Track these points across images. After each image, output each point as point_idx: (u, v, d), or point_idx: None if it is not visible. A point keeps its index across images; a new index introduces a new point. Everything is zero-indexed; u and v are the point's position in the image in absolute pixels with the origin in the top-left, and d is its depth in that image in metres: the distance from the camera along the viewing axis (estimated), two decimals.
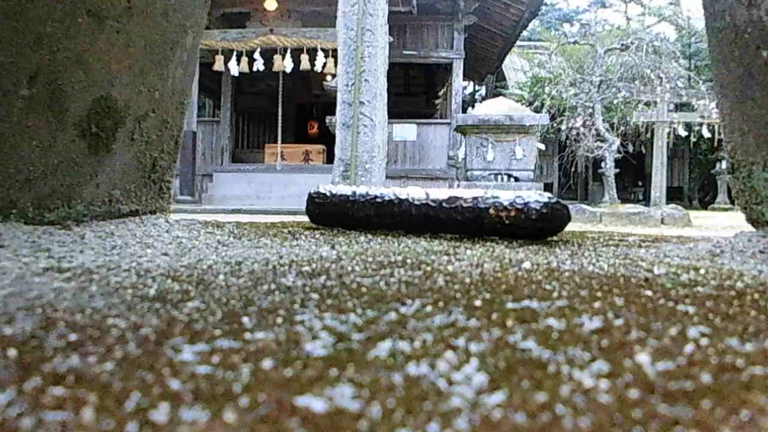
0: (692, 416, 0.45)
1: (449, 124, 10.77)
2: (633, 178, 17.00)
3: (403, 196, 2.16)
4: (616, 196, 11.77)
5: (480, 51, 13.18)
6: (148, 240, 1.76)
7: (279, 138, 10.91)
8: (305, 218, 2.62)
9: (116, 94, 1.92)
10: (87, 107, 1.84)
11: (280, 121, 10.86)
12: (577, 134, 12.28)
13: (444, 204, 2.06)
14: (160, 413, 0.45)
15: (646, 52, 11.97)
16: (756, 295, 0.97)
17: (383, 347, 0.64)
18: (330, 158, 8.32)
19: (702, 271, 1.25)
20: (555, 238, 2.10)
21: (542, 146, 8.55)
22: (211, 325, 0.73)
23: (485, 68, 14.71)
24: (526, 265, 1.31)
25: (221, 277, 1.11)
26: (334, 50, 7.01)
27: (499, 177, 6.83)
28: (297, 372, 0.55)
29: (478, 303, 0.87)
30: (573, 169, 14.39)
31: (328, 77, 9.80)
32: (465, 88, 16.06)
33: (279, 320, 0.76)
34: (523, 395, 0.49)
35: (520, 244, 1.85)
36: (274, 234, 2.11)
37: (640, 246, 1.88)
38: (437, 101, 14.92)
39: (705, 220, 7.35)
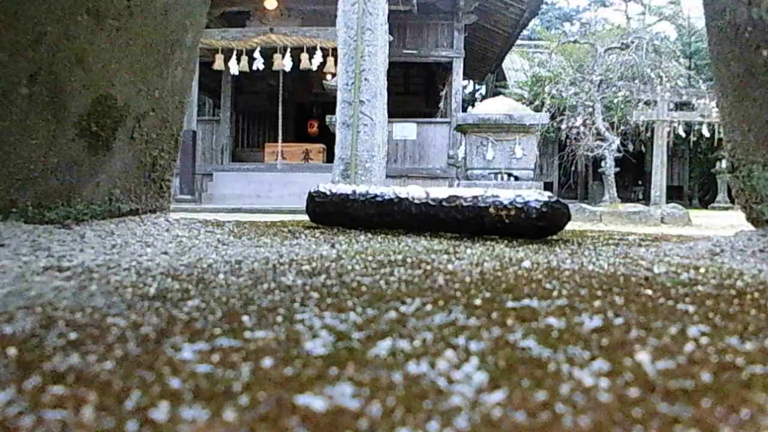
0: (692, 415, 0.45)
1: (449, 123, 10.76)
2: (633, 177, 16.98)
3: (403, 195, 2.16)
4: (616, 195, 11.75)
5: (480, 50, 13.17)
6: (148, 239, 1.75)
7: (279, 137, 10.90)
8: (305, 217, 2.62)
9: (116, 93, 1.92)
10: (87, 106, 1.84)
11: (280, 120, 10.85)
12: (577, 133, 12.26)
13: (444, 203, 2.06)
14: (160, 412, 0.45)
15: (646, 51, 11.95)
16: (756, 294, 0.97)
17: (383, 346, 0.64)
18: (330, 157, 8.30)
19: (702, 270, 1.25)
20: (555, 237, 2.10)
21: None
22: (211, 323, 0.73)
23: (485, 67, 14.71)
24: (526, 264, 1.31)
25: (221, 276, 1.11)
26: (334, 49, 7.00)
27: (499, 176, 6.83)
28: (297, 371, 0.55)
29: (478, 302, 0.87)
30: (573, 168, 14.38)
31: (328, 76, 9.79)
32: (465, 87, 16.07)
33: (279, 319, 0.76)
34: (523, 394, 0.49)
35: (520, 243, 1.85)
36: (274, 233, 2.11)
37: (640, 245, 1.88)
38: (437, 100, 14.91)
39: (705, 219, 7.34)
